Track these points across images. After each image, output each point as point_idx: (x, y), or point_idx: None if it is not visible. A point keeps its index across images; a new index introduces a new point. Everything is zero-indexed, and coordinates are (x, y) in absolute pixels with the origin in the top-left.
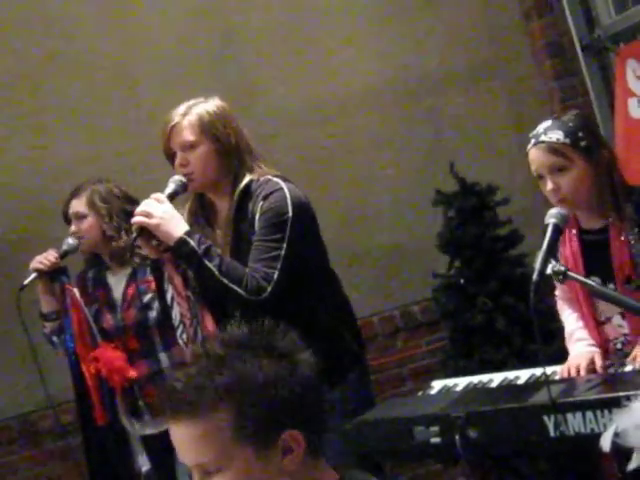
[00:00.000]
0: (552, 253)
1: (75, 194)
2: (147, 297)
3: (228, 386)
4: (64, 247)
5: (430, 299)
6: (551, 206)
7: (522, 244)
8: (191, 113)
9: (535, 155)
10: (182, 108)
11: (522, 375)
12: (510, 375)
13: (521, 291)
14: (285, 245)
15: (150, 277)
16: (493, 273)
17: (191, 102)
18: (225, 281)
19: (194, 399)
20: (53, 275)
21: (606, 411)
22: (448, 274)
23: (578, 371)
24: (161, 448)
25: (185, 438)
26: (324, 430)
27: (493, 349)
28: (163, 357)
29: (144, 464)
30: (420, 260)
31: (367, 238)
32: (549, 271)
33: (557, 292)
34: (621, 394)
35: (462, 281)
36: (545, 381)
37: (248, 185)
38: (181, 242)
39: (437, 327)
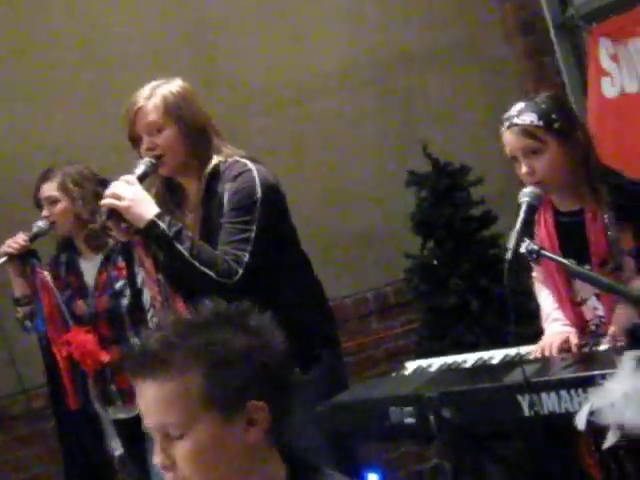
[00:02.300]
0: (526, 232)
1: (45, 178)
2: (119, 284)
3: (201, 348)
4: (34, 230)
5: (403, 280)
6: (525, 186)
7: (496, 225)
8: (155, 95)
9: (509, 138)
10: (146, 91)
11: (496, 355)
12: (485, 355)
13: (495, 272)
14: (255, 227)
15: (122, 264)
16: (466, 254)
17: (153, 84)
18: (196, 264)
19: (165, 357)
20: (23, 258)
21: (580, 390)
22: (421, 255)
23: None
24: (133, 433)
25: (152, 397)
26: (288, 411)
27: (467, 330)
28: (135, 342)
29: (117, 448)
30: (393, 241)
31: (339, 219)
32: (523, 250)
33: (534, 274)
34: (596, 373)
35: (435, 262)
36: (519, 360)
37: (216, 166)
38: (151, 224)
39: (410, 308)
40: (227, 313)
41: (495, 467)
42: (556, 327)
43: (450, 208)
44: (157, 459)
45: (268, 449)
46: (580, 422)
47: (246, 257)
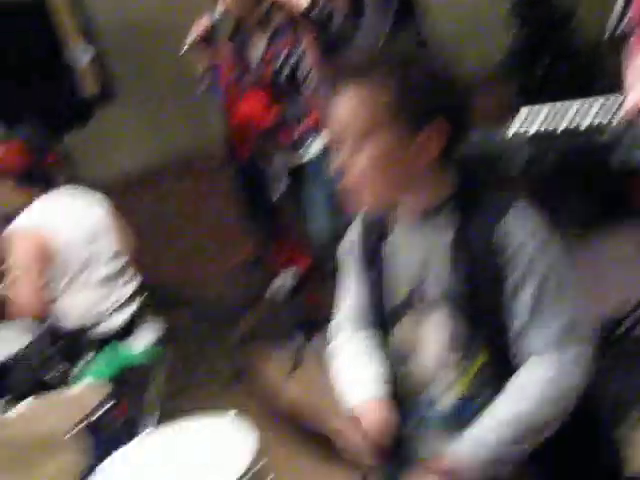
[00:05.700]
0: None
1: None
2: (281, 59)
3: (400, 65)
4: (215, 15)
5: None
6: None
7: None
8: None
9: None
10: None
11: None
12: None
13: None
14: None
15: (286, 40)
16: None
17: None
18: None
19: (368, 67)
20: (207, 39)
21: None
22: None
23: None
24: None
25: (347, 102)
26: (466, 134)
27: None
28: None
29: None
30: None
31: None
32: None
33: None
34: None
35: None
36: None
37: None
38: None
39: None
40: (419, 52)
41: None
42: None
43: None
44: (335, 163)
45: (440, 170)
46: None
47: None
